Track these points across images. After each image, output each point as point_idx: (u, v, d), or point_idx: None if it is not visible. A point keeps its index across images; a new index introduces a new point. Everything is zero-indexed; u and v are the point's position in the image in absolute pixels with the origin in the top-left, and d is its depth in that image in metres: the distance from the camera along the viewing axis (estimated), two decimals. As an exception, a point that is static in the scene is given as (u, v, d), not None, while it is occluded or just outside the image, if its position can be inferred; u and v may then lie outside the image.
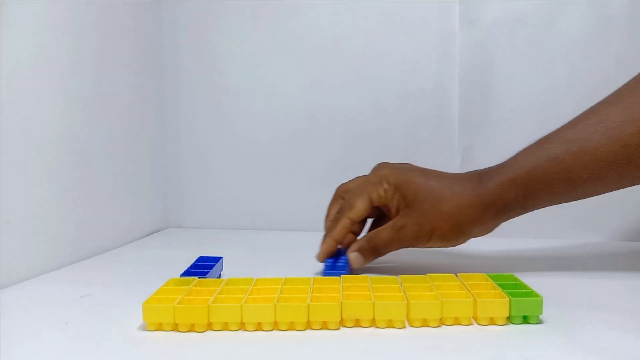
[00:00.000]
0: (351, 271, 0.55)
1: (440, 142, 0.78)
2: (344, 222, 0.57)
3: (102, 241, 0.68)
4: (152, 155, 0.82)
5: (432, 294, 0.43)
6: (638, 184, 0.52)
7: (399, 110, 0.79)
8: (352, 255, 0.55)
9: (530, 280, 0.47)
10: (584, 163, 0.50)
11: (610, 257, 0.66)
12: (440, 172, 0.56)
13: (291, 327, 0.41)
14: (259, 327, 0.41)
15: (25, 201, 0.54)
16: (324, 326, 0.41)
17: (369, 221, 0.60)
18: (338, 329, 0.41)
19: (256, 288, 0.45)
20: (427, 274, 0.47)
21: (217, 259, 0.56)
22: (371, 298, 0.42)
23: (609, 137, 0.50)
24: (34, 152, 0.56)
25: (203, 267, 0.53)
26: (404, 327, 0.41)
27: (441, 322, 0.41)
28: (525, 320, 0.42)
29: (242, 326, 0.41)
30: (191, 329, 0.40)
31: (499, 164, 0.54)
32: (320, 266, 0.56)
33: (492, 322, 0.41)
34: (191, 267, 0.53)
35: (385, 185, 0.55)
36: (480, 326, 0.41)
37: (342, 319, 0.41)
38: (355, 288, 0.45)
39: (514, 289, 0.43)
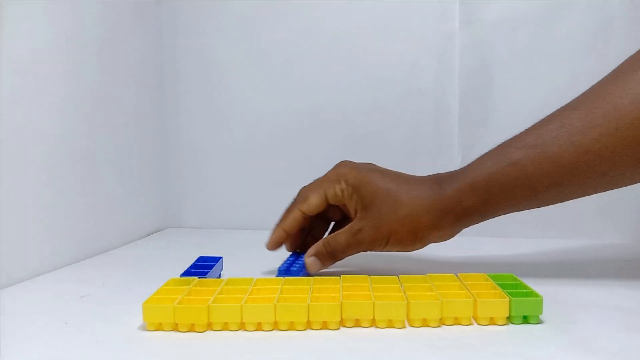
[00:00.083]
0: (307, 274, 0.54)
1: (440, 141, 0.78)
2: (295, 214, 0.56)
3: (102, 241, 0.68)
4: (152, 155, 0.82)
5: (432, 294, 0.43)
6: (601, 192, 0.50)
7: (399, 110, 0.79)
8: (309, 260, 0.54)
9: (530, 280, 0.47)
10: (545, 169, 0.48)
11: (610, 257, 0.66)
12: (402, 174, 0.54)
13: (291, 327, 0.41)
14: (259, 327, 0.41)
15: (26, 201, 0.54)
16: (324, 326, 0.41)
17: (332, 225, 0.60)
18: (338, 329, 0.41)
19: (256, 288, 0.45)
20: (427, 274, 0.47)
21: (217, 259, 0.56)
22: (371, 298, 0.42)
23: (570, 142, 0.47)
24: (34, 153, 0.56)
25: (203, 267, 0.53)
26: (404, 327, 0.41)
27: (441, 322, 0.41)
28: (525, 320, 0.42)
29: (242, 326, 0.41)
30: (191, 329, 0.40)
31: (460, 169, 0.52)
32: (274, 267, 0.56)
33: (492, 322, 0.41)
34: (191, 267, 0.53)
35: (343, 185, 0.54)
36: (480, 326, 0.41)
37: (342, 319, 0.41)
38: (355, 288, 0.45)
39: (514, 289, 0.43)
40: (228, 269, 0.58)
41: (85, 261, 0.63)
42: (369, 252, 0.54)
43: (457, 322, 0.41)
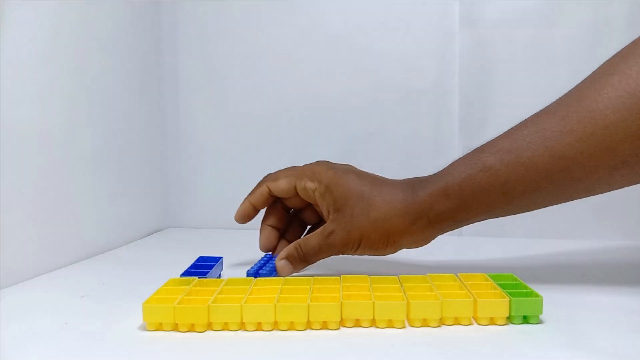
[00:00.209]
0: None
1: (440, 142, 0.78)
2: (263, 189, 0.56)
3: (102, 241, 0.68)
4: (152, 155, 0.82)
5: (432, 294, 0.43)
6: (578, 198, 0.49)
7: (399, 110, 0.79)
8: (280, 264, 0.53)
9: (530, 280, 0.47)
10: (519, 174, 0.47)
11: (610, 257, 0.66)
12: (378, 177, 0.53)
13: (291, 327, 0.41)
14: (259, 327, 0.41)
15: (25, 201, 0.54)
16: (324, 326, 0.41)
17: (307, 229, 0.60)
18: (338, 329, 0.41)
19: (256, 288, 0.45)
20: (427, 274, 0.47)
21: (217, 259, 0.56)
22: (371, 298, 0.42)
23: (545, 147, 0.46)
24: (34, 153, 0.56)
25: (203, 267, 0.53)
26: (404, 327, 0.41)
27: (441, 322, 0.41)
28: (525, 320, 0.42)
29: (242, 326, 0.41)
30: (191, 329, 0.40)
31: (434, 173, 0.51)
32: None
33: (492, 322, 0.41)
34: (191, 267, 0.53)
35: (316, 183, 0.53)
36: (480, 326, 0.41)
37: (342, 319, 0.41)
38: (355, 288, 0.45)
39: (514, 289, 0.43)
40: (228, 269, 0.58)
41: (85, 261, 0.63)
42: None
43: (457, 322, 0.41)
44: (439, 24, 0.78)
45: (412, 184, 0.51)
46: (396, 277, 0.47)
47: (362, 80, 0.80)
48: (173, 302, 0.40)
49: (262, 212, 0.59)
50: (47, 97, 0.57)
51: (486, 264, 0.61)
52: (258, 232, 0.58)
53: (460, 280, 0.46)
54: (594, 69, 0.48)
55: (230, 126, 0.84)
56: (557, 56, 0.74)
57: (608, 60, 0.48)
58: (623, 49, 0.47)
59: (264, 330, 0.40)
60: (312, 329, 0.41)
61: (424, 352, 0.37)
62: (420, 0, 0.78)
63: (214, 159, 0.85)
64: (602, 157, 0.45)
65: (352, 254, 0.53)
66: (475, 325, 0.42)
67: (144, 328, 0.41)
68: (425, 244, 0.52)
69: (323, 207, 0.53)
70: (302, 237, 0.57)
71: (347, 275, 0.47)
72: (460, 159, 0.50)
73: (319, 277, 0.48)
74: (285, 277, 0.48)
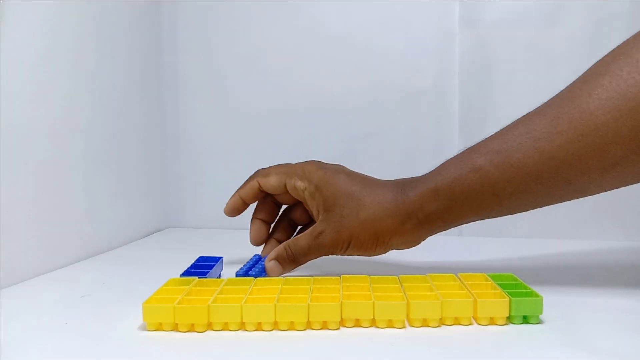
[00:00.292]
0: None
1: (440, 142, 0.78)
2: (253, 184, 0.56)
3: (102, 241, 0.68)
4: (152, 155, 0.82)
5: (432, 294, 0.43)
6: (569, 200, 0.48)
7: (399, 110, 0.79)
8: (270, 265, 0.53)
9: (530, 280, 0.47)
10: (509, 175, 0.46)
11: (610, 257, 0.66)
12: (369, 177, 0.53)
13: (291, 327, 0.41)
14: (259, 327, 0.41)
15: (25, 201, 0.54)
16: (324, 326, 0.41)
17: (298, 230, 0.59)
18: (338, 329, 0.41)
19: (256, 288, 0.45)
20: (427, 274, 0.47)
21: (217, 259, 0.56)
22: (371, 298, 0.42)
23: (535, 148, 0.46)
24: (34, 153, 0.56)
25: (203, 267, 0.53)
26: (404, 327, 0.41)
27: (441, 322, 0.41)
28: (525, 320, 0.42)
29: (242, 326, 0.41)
30: (191, 329, 0.40)
31: (425, 174, 0.51)
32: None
33: (492, 322, 0.41)
34: (191, 267, 0.53)
35: (306, 182, 0.53)
36: (480, 326, 0.41)
37: (342, 319, 0.41)
38: (355, 288, 0.45)
39: (514, 289, 0.43)
40: (228, 269, 0.58)
41: (85, 261, 0.63)
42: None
43: (457, 322, 0.41)
44: (439, 24, 0.77)
45: (402, 185, 0.51)
46: (396, 277, 0.47)
47: (362, 81, 0.80)
48: (173, 302, 0.40)
49: (253, 207, 0.59)
50: (47, 97, 0.57)
51: (486, 264, 0.61)
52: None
53: (460, 280, 0.46)
54: (593, 70, 0.48)
55: (230, 126, 0.84)
56: (557, 56, 0.74)
57: (599, 61, 0.47)
58: (614, 49, 0.47)
59: (264, 330, 0.40)
60: (312, 329, 0.41)
61: (424, 352, 0.37)
62: (420, 0, 0.78)
63: (214, 159, 0.85)
64: (592, 159, 0.45)
65: (341, 255, 0.52)
66: (475, 325, 0.42)
67: (144, 328, 0.41)
68: (416, 245, 0.52)
69: (313, 207, 0.53)
70: (292, 237, 0.57)
71: (347, 275, 0.47)
72: (450, 159, 0.50)
73: (319, 277, 0.48)
74: (285, 277, 0.48)
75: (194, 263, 0.55)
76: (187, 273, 0.51)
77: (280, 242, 0.57)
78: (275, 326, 0.41)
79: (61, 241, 0.60)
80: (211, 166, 0.85)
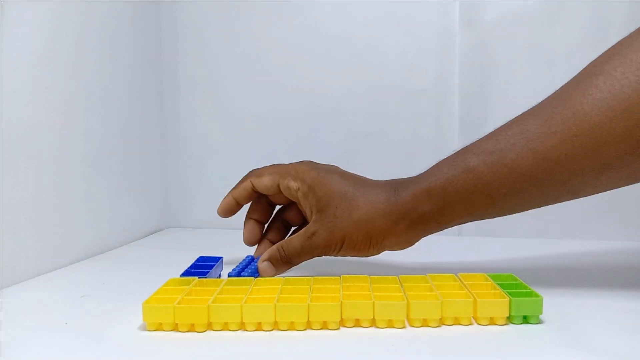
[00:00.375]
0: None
1: (440, 142, 0.78)
2: (246, 184, 0.56)
3: (102, 241, 0.68)
4: (152, 155, 0.82)
5: (432, 294, 0.43)
6: (564, 201, 0.48)
7: (399, 110, 0.79)
8: (263, 266, 0.53)
9: (530, 280, 0.47)
10: (502, 176, 0.46)
11: (610, 257, 0.66)
12: (362, 178, 0.53)
13: (291, 327, 0.41)
14: (259, 327, 0.41)
15: (25, 201, 0.54)
16: (324, 326, 0.41)
17: (291, 231, 0.59)
18: (338, 329, 0.41)
19: (256, 288, 0.45)
20: (427, 274, 0.47)
21: (217, 259, 0.56)
22: (371, 298, 0.42)
23: (528, 149, 0.45)
24: (34, 153, 0.56)
25: (203, 267, 0.53)
26: (404, 327, 0.41)
27: (441, 322, 0.41)
28: (525, 320, 0.42)
29: (242, 326, 0.41)
30: (191, 329, 0.40)
31: (418, 174, 0.51)
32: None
33: (492, 322, 0.41)
34: (191, 267, 0.53)
35: (299, 182, 0.53)
36: (480, 326, 0.41)
37: (342, 319, 0.41)
38: (355, 288, 0.45)
39: (514, 289, 0.43)
40: (228, 269, 0.58)
41: (85, 261, 0.63)
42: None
43: (457, 322, 0.41)
44: (439, 24, 0.78)
45: (396, 185, 0.51)
46: (396, 277, 0.47)
47: (362, 80, 0.80)
48: (173, 302, 0.40)
49: (247, 207, 0.59)
50: (46, 97, 0.57)
51: (486, 264, 0.61)
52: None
53: (460, 280, 0.46)
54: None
55: (230, 126, 0.84)
56: (557, 56, 0.74)
57: (593, 61, 0.47)
58: (608, 50, 0.47)
59: (264, 330, 0.40)
60: (312, 329, 0.41)
61: (424, 352, 0.37)
62: (420, 0, 0.78)
63: (214, 159, 0.85)
64: (586, 159, 0.44)
65: (334, 255, 0.52)
66: (475, 325, 0.42)
67: (144, 328, 0.41)
68: (409, 246, 0.52)
69: (306, 207, 0.53)
70: (285, 238, 0.57)
71: (347, 275, 0.47)
72: (444, 159, 0.50)
73: (319, 277, 0.48)
74: (286, 277, 0.48)
75: (193, 263, 0.55)
76: (187, 273, 0.51)
77: (273, 243, 0.57)
78: (275, 326, 0.41)
79: (61, 241, 0.60)
80: (211, 166, 0.85)
